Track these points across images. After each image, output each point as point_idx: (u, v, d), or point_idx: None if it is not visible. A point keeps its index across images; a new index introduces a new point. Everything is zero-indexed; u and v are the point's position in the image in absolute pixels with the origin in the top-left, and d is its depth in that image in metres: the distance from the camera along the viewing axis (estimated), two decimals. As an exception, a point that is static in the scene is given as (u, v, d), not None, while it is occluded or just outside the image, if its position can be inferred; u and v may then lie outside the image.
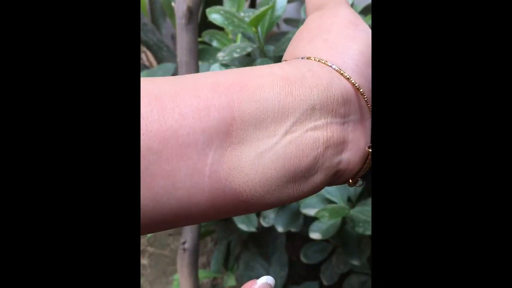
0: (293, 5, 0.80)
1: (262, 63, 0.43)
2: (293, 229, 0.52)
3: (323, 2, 0.25)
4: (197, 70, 0.49)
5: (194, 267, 0.61)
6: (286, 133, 0.21)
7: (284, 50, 0.46)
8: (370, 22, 0.41)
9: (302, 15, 0.47)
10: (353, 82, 0.22)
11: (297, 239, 0.65)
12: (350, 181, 0.24)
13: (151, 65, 0.97)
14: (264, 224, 0.57)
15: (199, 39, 0.54)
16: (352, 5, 0.49)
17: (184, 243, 0.59)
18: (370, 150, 0.23)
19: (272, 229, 0.56)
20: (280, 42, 0.46)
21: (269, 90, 0.21)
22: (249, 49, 0.43)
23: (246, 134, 0.21)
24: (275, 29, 0.85)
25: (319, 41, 0.23)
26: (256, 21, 0.43)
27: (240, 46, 0.43)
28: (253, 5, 0.73)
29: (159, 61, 0.77)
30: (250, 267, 0.69)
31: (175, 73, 0.62)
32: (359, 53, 0.22)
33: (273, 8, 0.45)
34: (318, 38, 0.23)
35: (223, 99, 0.20)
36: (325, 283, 0.56)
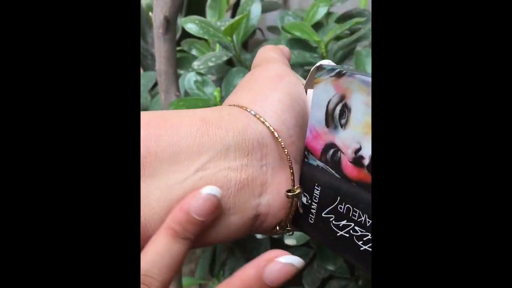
0: (276, 13, 0.81)
1: (238, 72, 0.44)
2: (276, 236, 0.52)
3: (260, 60, 0.27)
4: (176, 78, 0.50)
5: (178, 274, 0.61)
6: (198, 170, 0.21)
7: (260, 58, 0.47)
8: (338, 31, 0.42)
9: (279, 24, 0.48)
10: (267, 126, 0.23)
11: (280, 245, 0.65)
12: (277, 227, 0.24)
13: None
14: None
15: (179, 48, 0.54)
16: (328, 14, 0.50)
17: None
18: (290, 194, 0.23)
19: (256, 235, 0.57)
20: (257, 50, 0.46)
21: (186, 128, 0.22)
22: (224, 58, 0.43)
23: (159, 168, 0.21)
24: (260, 36, 0.85)
25: (245, 91, 0.24)
26: (231, 30, 0.43)
27: (215, 55, 0.44)
28: (234, 14, 0.74)
29: (144, 69, 0.77)
30: (236, 272, 0.70)
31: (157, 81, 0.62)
32: (277, 100, 0.23)
33: (247, 17, 0.45)
34: (244, 88, 0.25)
35: (143, 134, 0.21)
36: (307, 288, 0.56)
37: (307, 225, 0.24)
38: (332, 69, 0.22)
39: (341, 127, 0.21)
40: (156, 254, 0.20)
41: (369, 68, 0.39)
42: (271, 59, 0.26)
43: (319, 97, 0.22)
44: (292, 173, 0.23)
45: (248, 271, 0.19)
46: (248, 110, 0.23)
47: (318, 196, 0.23)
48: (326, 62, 0.24)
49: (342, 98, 0.21)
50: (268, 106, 0.23)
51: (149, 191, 0.20)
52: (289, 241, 0.43)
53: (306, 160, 0.24)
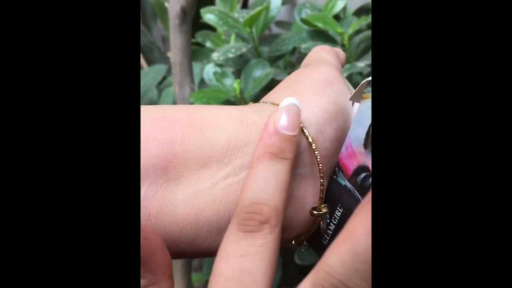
0: (284, 8, 0.80)
1: (257, 64, 0.43)
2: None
3: (309, 61, 0.25)
4: (190, 70, 0.49)
5: (188, 270, 0.60)
6: (229, 175, 0.20)
7: (278, 51, 0.46)
8: (363, 23, 0.42)
9: (296, 17, 0.47)
10: (306, 135, 0.21)
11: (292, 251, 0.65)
12: (293, 242, 0.22)
13: (141, 67, 0.96)
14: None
15: (192, 40, 0.54)
16: (344, 8, 0.50)
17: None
18: (315, 213, 0.21)
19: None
20: (275, 43, 0.46)
21: (220, 129, 0.20)
22: (243, 49, 0.43)
23: (186, 171, 0.19)
24: (266, 31, 0.85)
25: (289, 91, 0.23)
26: (251, 22, 0.43)
27: (234, 46, 0.43)
28: (245, 5, 0.73)
29: (150, 63, 0.76)
30: (243, 269, 0.69)
31: (166, 74, 0.62)
32: (321, 108, 0.22)
33: (267, 8, 0.45)
34: (289, 88, 0.23)
35: (166, 134, 0.19)
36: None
37: (319, 245, 0.23)
38: None
39: None
40: (257, 180, 0.18)
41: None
42: (323, 61, 0.25)
43: (363, 114, 0.21)
44: (322, 190, 0.21)
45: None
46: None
47: (338, 218, 0.22)
48: None
49: None
50: (310, 113, 0.21)
51: (174, 197, 0.19)
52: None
53: (334, 177, 0.22)
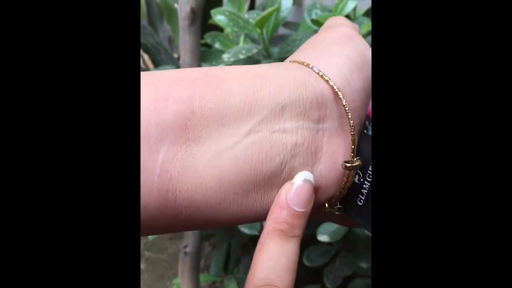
0: (292, 9, 0.80)
1: (267, 65, 0.43)
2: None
3: (329, 24, 0.24)
4: (200, 72, 0.49)
5: (196, 271, 0.60)
6: (250, 132, 0.19)
7: (288, 52, 0.46)
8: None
9: (307, 18, 0.47)
10: (331, 85, 0.20)
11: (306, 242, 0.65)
12: (326, 205, 0.21)
13: (148, 68, 0.96)
14: (267, 227, 0.56)
15: (201, 41, 0.54)
16: (355, 9, 0.49)
17: (185, 246, 0.58)
18: (348, 165, 0.20)
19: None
20: (285, 44, 0.46)
21: (237, 84, 0.19)
22: (254, 51, 0.42)
23: (206, 130, 0.18)
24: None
25: (310, 49, 0.22)
26: (262, 23, 0.42)
27: (245, 48, 0.43)
28: (252, 6, 0.73)
29: (157, 64, 0.76)
30: (250, 270, 0.69)
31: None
32: (346, 58, 0.21)
33: (278, 10, 0.44)
34: (309, 47, 0.22)
35: (184, 92, 0.19)
36: (328, 286, 0.56)
37: (353, 206, 0.22)
38: None
39: None
40: (269, 260, 0.19)
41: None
42: (341, 23, 0.23)
43: None
44: (354, 141, 0.20)
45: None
46: (310, 66, 0.20)
47: (372, 174, 0.21)
48: None
49: None
50: (334, 64, 0.20)
51: (195, 158, 0.18)
52: (323, 237, 0.43)
53: (365, 131, 0.21)
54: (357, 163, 0.20)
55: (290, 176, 0.20)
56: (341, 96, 0.20)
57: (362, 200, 0.21)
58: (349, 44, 0.21)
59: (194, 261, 0.59)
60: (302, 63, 0.21)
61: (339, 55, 0.21)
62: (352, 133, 0.20)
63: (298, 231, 0.19)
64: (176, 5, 0.52)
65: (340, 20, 0.24)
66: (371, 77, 0.21)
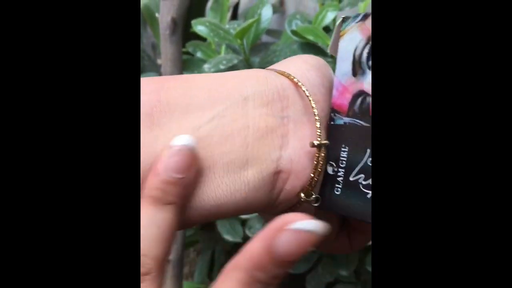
0: (274, 17, 0.81)
1: (248, 75, 0.43)
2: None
3: None
4: (181, 81, 0.49)
5: (179, 279, 0.60)
6: (213, 118, 0.20)
7: (269, 62, 0.47)
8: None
9: (287, 28, 0.48)
10: (292, 78, 0.21)
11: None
12: (302, 194, 0.21)
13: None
14: (250, 234, 0.57)
15: (183, 50, 0.54)
16: (334, 19, 0.50)
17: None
18: (316, 143, 0.21)
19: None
20: (266, 54, 0.46)
21: (202, 80, 0.21)
22: (235, 61, 0.43)
23: (170, 117, 0.19)
24: (257, 40, 0.85)
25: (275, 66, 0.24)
26: (242, 34, 0.43)
27: (226, 58, 0.43)
28: (234, 16, 0.73)
29: (141, 70, 0.76)
30: (234, 277, 0.69)
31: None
32: (303, 61, 0.23)
33: (258, 20, 0.45)
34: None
35: (154, 86, 0.20)
36: (311, 292, 0.56)
37: (331, 198, 0.22)
38: (358, 15, 0.22)
39: (369, 69, 0.21)
40: (141, 229, 0.17)
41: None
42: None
43: (346, 49, 0.22)
44: (319, 127, 0.21)
45: (255, 245, 0.16)
46: (271, 68, 0.22)
47: (345, 158, 0.22)
48: None
49: (370, 38, 0.21)
50: (292, 65, 0.22)
51: (156, 140, 0.19)
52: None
53: (332, 123, 0.22)
54: (324, 142, 0.21)
55: (255, 160, 0.20)
56: (303, 88, 0.21)
57: (339, 189, 0.22)
58: (304, 55, 0.24)
59: (176, 269, 0.59)
60: (265, 68, 0.22)
61: (296, 60, 0.23)
62: (316, 118, 0.21)
63: (173, 198, 0.18)
64: (157, 15, 0.52)
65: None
66: (328, 77, 0.23)
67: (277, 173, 0.21)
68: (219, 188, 0.19)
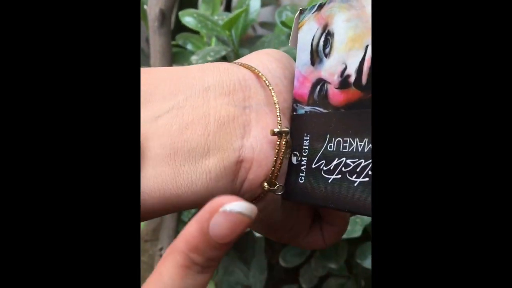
0: (268, 9, 0.80)
1: (236, 67, 0.43)
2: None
3: None
4: (171, 74, 0.49)
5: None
6: (173, 107, 0.20)
7: (258, 53, 0.46)
8: None
9: (277, 19, 0.47)
10: (253, 69, 0.21)
11: (276, 243, 0.65)
12: (265, 184, 0.21)
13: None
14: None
15: (173, 42, 0.53)
16: None
17: (161, 249, 0.58)
18: (276, 131, 0.20)
19: (251, 233, 0.56)
20: (255, 46, 0.45)
21: (165, 72, 0.21)
22: (223, 53, 0.42)
23: None
24: (251, 32, 0.84)
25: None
26: (230, 24, 0.42)
27: (214, 50, 0.43)
28: (228, 8, 0.73)
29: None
30: (230, 271, 0.69)
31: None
32: (264, 54, 0.23)
33: (246, 11, 0.44)
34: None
35: None
36: (304, 286, 0.56)
37: (296, 187, 0.22)
38: (314, 6, 0.22)
39: (326, 56, 0.21)
40: None
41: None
42: None
43: (304, 39, 0.22)
44: (279, 115, 0.21)
45: (191, 228, 0.15)
46: (233, 62, 0.22)
47: (308, 146, 0.21)
48: None
49: (325, 27, 0.21)
50: (254, 58, 0.22)
51: None
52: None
53: (294, 113, 0.22)
54: (284, 129, 0.21)
55: (216, 148, 0.20)
56: (264, 78, 0.21)
57: (303, 178, 0.22)
58: (268, 49, 0.24)
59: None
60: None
61: (259, 53, 0.23)
62: (276, 106, 0.21)
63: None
64: (145, 6, 0.51)
65: None
66: (290, 69, 0.23)
67: (239, 162, 0.20)
68: (180, 177, 0.19)
